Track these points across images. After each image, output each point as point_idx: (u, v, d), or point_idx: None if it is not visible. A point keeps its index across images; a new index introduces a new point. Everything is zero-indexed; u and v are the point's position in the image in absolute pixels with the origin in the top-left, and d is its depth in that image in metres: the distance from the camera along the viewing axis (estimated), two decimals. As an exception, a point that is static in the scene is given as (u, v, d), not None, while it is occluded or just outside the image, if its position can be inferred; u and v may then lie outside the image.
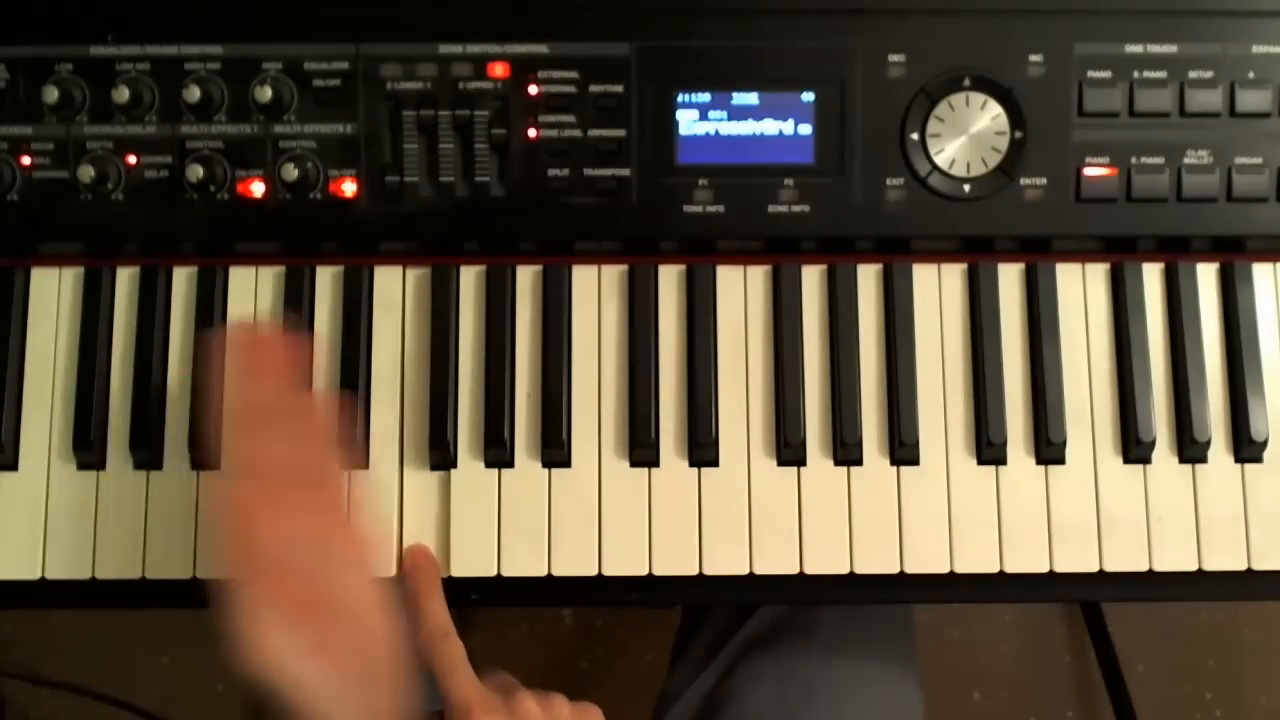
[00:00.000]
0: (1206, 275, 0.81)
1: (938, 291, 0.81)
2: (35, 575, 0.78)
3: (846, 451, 0.79)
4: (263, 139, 0.79)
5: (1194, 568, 0.79)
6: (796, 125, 0.80)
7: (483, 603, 0.76)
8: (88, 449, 0.79)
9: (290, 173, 0.78)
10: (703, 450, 0.79)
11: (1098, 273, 0.82)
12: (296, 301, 0.81)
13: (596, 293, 0.81)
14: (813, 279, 0.81)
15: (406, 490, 0.79)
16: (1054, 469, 0.79)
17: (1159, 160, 0.79)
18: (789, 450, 0.79)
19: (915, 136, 0.79)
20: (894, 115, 0.79)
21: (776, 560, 0.78)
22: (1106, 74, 0.79)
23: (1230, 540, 0.79)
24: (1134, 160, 0.79)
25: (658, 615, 1.47)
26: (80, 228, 0.80)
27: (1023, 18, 0.79)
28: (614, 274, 0.82)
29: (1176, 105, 0.79)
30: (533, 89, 0.79)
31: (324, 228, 0.80)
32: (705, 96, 0.80)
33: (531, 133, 0.79)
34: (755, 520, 0.79)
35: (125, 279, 0.81)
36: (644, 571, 0.78)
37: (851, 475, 0.79)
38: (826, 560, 0.78)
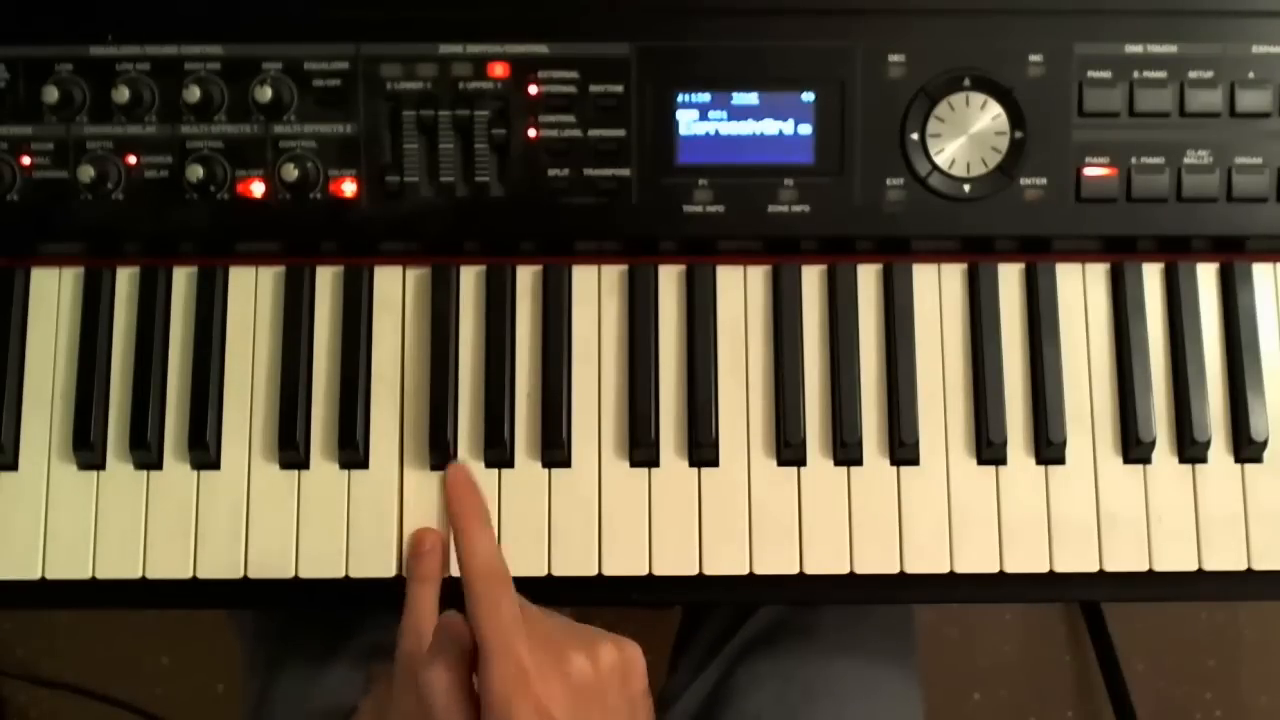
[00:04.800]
0: (1206, 275, 0.81)
1: (938, 291, 0.81)
2: (35, 575, 0.78)
3: (846, 451, 0.79)
4: (263, 139, 0.79)
5: (1194, 568, 0.79)
6: (796, 125, 0.80)
7: (483, 603, 0.76)
8: (88, 449, 0.79)
9: (290, 173, 0.78)
10: (703, 450, 0.79)
11: (1098, 273, 0.82)
12: (296, 301, 0.81)
13: (596, 293, 0.81)
14: (813, 279, 0.81)
15: (406, 490, 0.79)
16: (1054, 469, 0.79)
17: (1159, 160, 0.79)
18: (789, 450, 0.79)
19: (915, 136, 0.79)
20: (894, 115, 0.79)
21: (776, 560, 0.78)
22: (1106, 74, 0.79)
23: (1230, 540, 0.79)
24: (1134, 160, 0.79)
25: (658, 615, 1.47)
26: (80, 228, 0.80)
27: (1023, 18, 0.79)
28: (614, 274, 0.82)
29: (1176, 105, 0.79)
30: (533, 89, 0.79)
31: (324, 228, 0.80)
32: (705, 96, 0.80)
33: (531, 133, 0.79)
34: (755, 520, 0.79)
35: (125, 279, 0.81)
36: (644, 571, 0.78)
37: (851, 475, 0.79)
38: (826, 560, 0.78)
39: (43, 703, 1.63)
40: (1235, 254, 0.81)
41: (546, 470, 0.79)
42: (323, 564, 0.78)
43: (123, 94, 0.78)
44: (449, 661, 0.64)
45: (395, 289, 0.81)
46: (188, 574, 0.78)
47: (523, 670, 0.63)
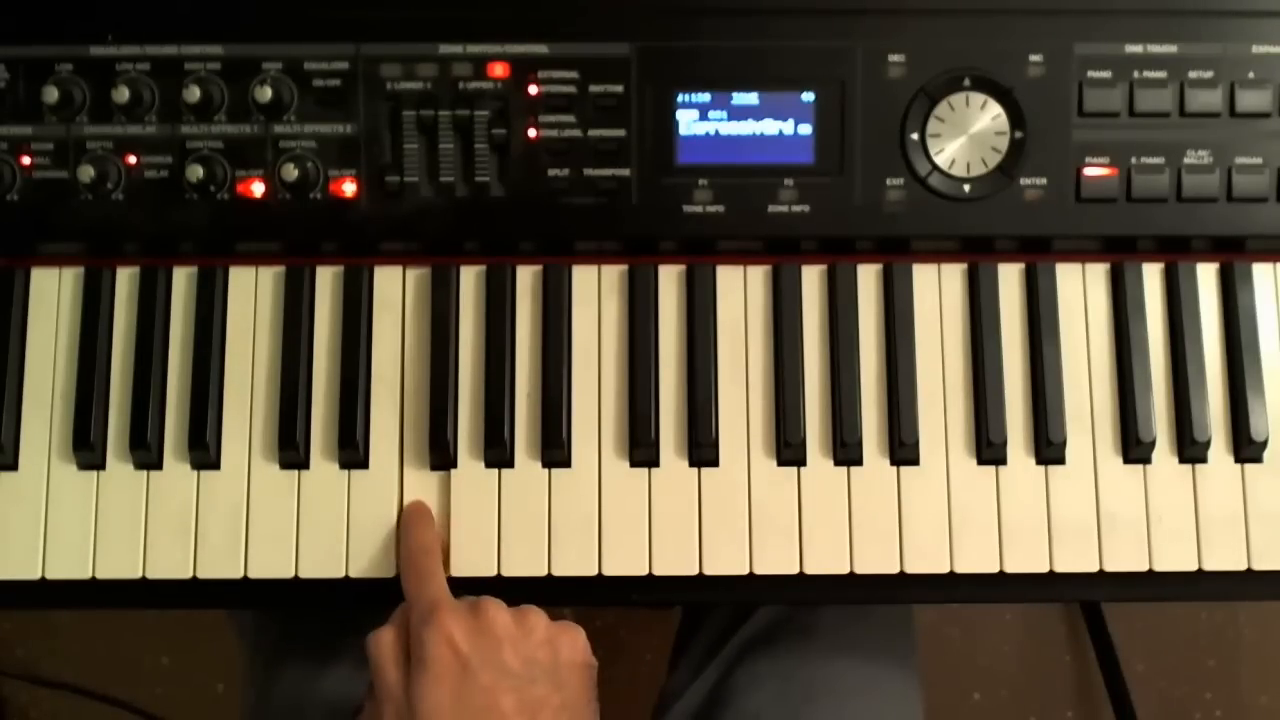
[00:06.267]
0: (1206, 275, 0.81)
1: (938, 291, 0.81)
2: (35, 575, 0.78)
3: (846, 451, 0.79)
4: (263, 139, 0.79)
5: (1194, 568, 0.79)
6: (796, 125, 0.80)
7: (483, 603, 0.76)
8: (88, 449, 0.79)
9: (290, 173, 0.78)
10: (703, 450, 0.79)
11: (1098, 273, 0.82)
12: (296, 301, 0.81)
13: (596, 293, 0.81)
14: (813, 279, 0.81)
15: (406, 490, 0.79)
16: (1054, 469, 0.79)
17: (1159, 160, 0.79)
18: (789, 450, 0.79)
19: (915, 136, 0.79)
20: (894, 115, 0.79)
21: (776, 560, 0.78)
22: (1106, 74, 0.79)
23: (1230, 540, 0.79)
24: (1134, 160, 0.79)
25: (658, 615, 1.47)
26: (80, 228, 0.80)
27: (1023, 18, 0.79)
28: (614, 274, 0.82)
29: (1176, 105, 0.79)
30: (533, 89, 0.79)
31: (324, 228, 0.80)
32: (705, 96, 0.80)
33: (531, 133, 0.79)
34: (755, 520, 0.79)
35: (125, 279, 0.81)
36: (644, 571, 0.78)
37: (851, 475, 0.79)
38: (826, 560, 0.78)
39: (43, 703, 1.63)
40: (1235, 254, 0.81)
41: (546, 470, 0.79)
42: (323, 564, 0.78)
43: (123, 94, 0.78)
44: (395, 624, 0.72)
45: (395, 289, 0.81)
46: (188, 574, 0.78)
47: (436, 608, 0.70)
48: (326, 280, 0.81)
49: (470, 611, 0.70)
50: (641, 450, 0.79)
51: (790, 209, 0.79)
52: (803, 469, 0.79)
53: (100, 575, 0.78)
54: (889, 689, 0.93)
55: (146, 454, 0.79)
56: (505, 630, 0.70)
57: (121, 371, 0.80)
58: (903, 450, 0.79)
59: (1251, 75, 0.79)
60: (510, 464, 0.79)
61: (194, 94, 0.78)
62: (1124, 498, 0.79)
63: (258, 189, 0.79)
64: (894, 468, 0.79)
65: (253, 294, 0.81)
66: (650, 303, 0.81)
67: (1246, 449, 0.79)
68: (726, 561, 0.78)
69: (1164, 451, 0.80)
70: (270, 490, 0.79)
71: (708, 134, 0.80)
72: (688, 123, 0.80)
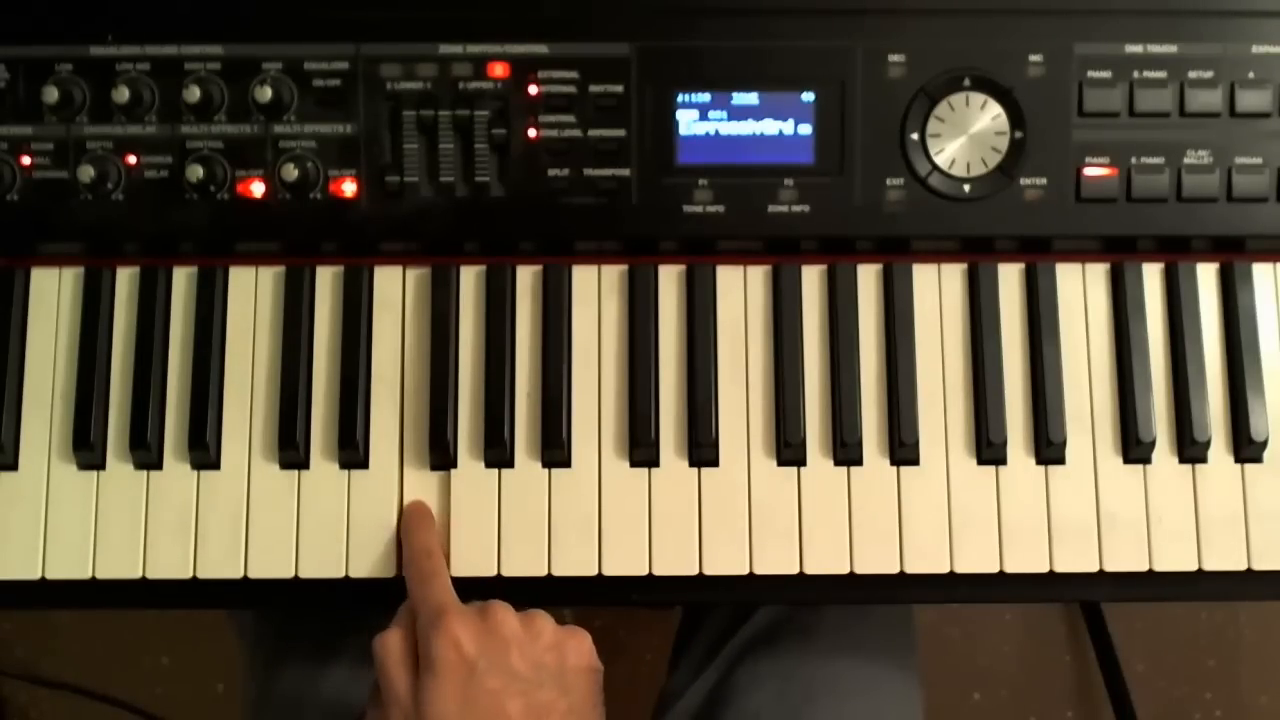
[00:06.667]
0: (1206, 275, 0.81)
1: (938, 291, 0.81)
2: (35, 575, 0.78)
3: (846, 451, 0.79)
4: (263, 139, 0.79)
5: (1194, 568, 0.79)
6: (796, 125, 0.80)
7: (483, 603, 0.76)
8: (88, 449, 0.79)
9: (290, 173, 0.78)
10: (703, 450, 0.79)
11: (1098, 273, 0.82)
12: (296, 302, 0.81)
13: (596, 293, 0.81)
14: (813, 279, 0.81)
15: (406, 490, 0.79)
16: (1054, 469, 0.79)
17: (1159, 160, 0.79)
18: (789, 450, 0.79)
19: (915, 136, 0.79)
20: (894, 115, 0.79)
21: (776, 560, 0.78)
22: (1106, 74, 0.79)
23: (1230, 540, 0.79)
24: (1134, 160, 0.79)
25: (658, 615, 1.47)
26: (80, 228, 0.80)
27: (1023, 18, 0.80)
28: (614, 274, 0.82)
29: (1176, 105, 0.79)
30: (533, 89, 0.79)
31: (324, 228, 0.80)
32: (705, 96, 0.80)
33: (531, 133, 0.79)
34: (755, 520, 0.79)
35: (125, 279, 0.81)
36: (644, 571, 0.78)
37: (851, 475, 0.79)
38: (826, 560, 0.78)
39: (43, 703, 1.63)
40: (1235, 254, 0.81)
41: (546, 470, 0.79)
42: (323, 564, 0.78)
43: (123, 94, 0.78)
44: (401, 627, 0.72)
45: (395, 289, 0.81)
46: (188, 574, 0.78)
47: (444, 611, 0.70)
48: (326, 280, 0.81)
49: (478, 615, 0.70)
50: (641, 450, 0.79)
51: (790, 209, 0.79)
52: (803, 469, 0.79)
53: (100, 575, 0.78)
54: (889, 689, 0.93)
55: (146, 454, 0.79)
56: (513, 634, 0.70)
57: (121, 371, 0.80)
58: (903, 450, 0.79)
59: (1251, 75, 0.79)
60: (510, 464, 0.79)
61: (194, 94, 0.78)
62: (1124, 498, 0.79)
63: (258, 189, 0.79)
64: (894, 468, 0.79)
65: (253, 294, 0.81)
66: (650, 303, 0.81)
67: (1246, 449, 0.79)
68: (726, 561, 0.78)
69: (1164, 451, 0.80)
70: (270, 490, 0.79)
71: (708, 134, 0.80)
72: (688, 123, 0.80)
